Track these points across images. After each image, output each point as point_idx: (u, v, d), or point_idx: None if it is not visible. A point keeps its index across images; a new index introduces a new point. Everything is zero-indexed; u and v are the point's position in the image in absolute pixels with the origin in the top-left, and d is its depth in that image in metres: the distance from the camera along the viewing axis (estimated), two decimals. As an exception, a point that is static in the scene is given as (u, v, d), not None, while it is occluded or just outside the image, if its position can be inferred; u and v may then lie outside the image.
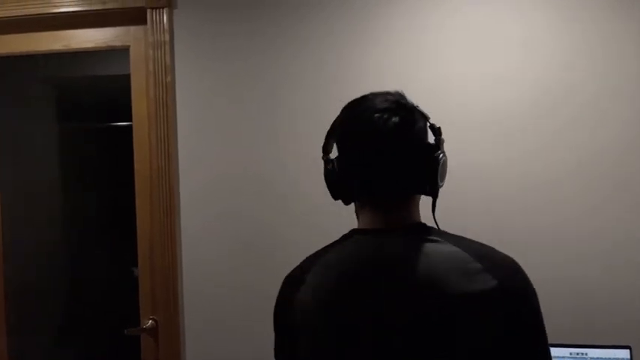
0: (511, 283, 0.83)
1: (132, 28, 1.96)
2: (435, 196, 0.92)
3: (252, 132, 1.84)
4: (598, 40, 1.66)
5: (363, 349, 0.84)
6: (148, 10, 1.88)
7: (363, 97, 0.93)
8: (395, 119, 0.87)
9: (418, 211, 0.93)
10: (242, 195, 1.85)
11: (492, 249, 0.89)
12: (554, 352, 1.25)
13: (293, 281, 0.95)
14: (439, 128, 0.93)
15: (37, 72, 2.60)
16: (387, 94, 0.92)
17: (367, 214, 0.92)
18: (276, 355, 0.99)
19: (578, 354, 1.53)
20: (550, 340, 0.86)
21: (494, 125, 1.72)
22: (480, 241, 0.90)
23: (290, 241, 1.79)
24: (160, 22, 1.88)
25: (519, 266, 0.88)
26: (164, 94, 1.87)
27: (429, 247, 0.85)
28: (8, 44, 2.05)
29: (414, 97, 0.94)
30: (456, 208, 1.65)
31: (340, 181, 0.93)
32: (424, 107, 0.94)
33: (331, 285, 0.89)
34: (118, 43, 1.99)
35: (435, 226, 0.92)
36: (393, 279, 0.84)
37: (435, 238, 0.87)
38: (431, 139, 0.93)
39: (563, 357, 1.53)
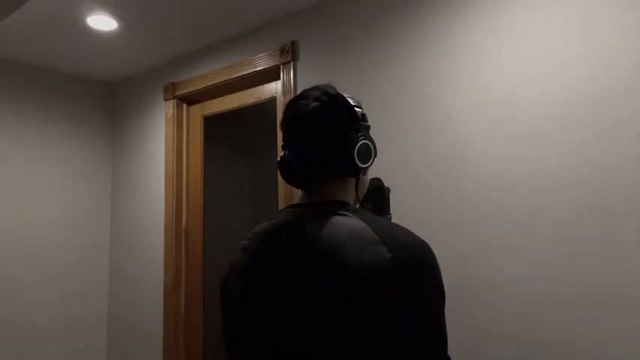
0: (405, 256, 0.86)
1: (277, 83, 2.47)
2: (356, 177, 0.99)
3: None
4: None
5: (261, 312, 0.92)
6: (281, 66, 2.36)
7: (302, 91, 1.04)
8: (315, 104, 0.97)
9: (345, 190, 1.00)
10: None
11: (398, 228, 0.92)
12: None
13: (238, 248, 1.03)
14: (364, 115, 1.00)
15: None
16: (318, 86, 1.01)
17: (301, 192, 1.03)
18: (222, 317, 1.11)
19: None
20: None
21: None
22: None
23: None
24: (288, 74, 2.33)
25: (422, 244, 0.90)
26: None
27: (336, 219, 0.91)
28: (212, 106, 2.84)
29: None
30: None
31: (284, 167, 1.02)
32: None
33: (252, 251, 0.98)
34: (269, 96, 2.53)
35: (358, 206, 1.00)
36: (299, 246, 0.91)
37: (345, 212, 0.92)
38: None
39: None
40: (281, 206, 2.38)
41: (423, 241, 0.92)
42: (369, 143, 0.99)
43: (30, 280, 2.89)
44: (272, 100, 2.51)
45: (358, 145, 0.97)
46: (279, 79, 2.41)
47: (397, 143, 1.95)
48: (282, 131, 1.03)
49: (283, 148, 1.03)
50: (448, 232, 1.79)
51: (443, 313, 0.89)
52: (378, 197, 1.28)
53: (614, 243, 1.47)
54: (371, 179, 1.32)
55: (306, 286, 0.88)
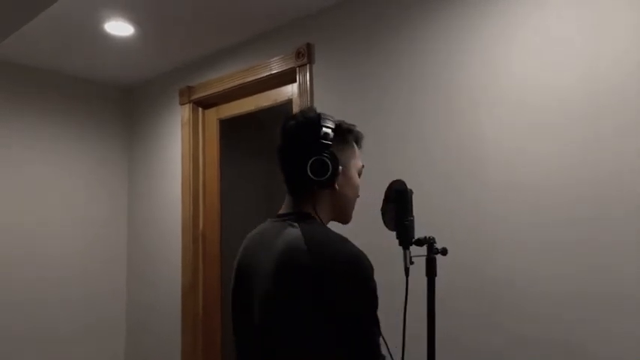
0: (325, 266, 0.95)
1: (293, 85, 2.47)
2: (312, 190, 1.08)
3: (378, 164, 2.05)
4: None
5: (238, 310, 1.10)
6: (297, 69, 2.36)
7: None
8: (291, 123, 1.11)
9: (313, 203, 1.09)
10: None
11: (333, 239, 1.01)
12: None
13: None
14: (327, 134, 1.07)
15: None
16: (309, 108, 1.15)
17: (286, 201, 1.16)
18: None
19: None
20: None
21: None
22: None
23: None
24: (304, 76, 2.33)
25: (349, 256, 0.98)
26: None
27: (287, 230, 1.04)
28: (228, 109, 2.85)
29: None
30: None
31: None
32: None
33: (240, 254, 1.15)
34: (285, 99, 2.53)
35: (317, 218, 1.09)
36: (259, 254, 1.07)
37: (295, 224, 1.04)
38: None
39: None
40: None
41: (353, 253, 0.99)
42: (324, 159, 1.05)
43: (46, 284, 2.92)
44: (288, 103, 2.50)
45: (311, 160, 1.05)
46: (295, 81, 2.41)
47: (424, 144, 1.93)
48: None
49: None
50: (470, 233, 1.78)
51: (368, 319, 0.96)
52: (400, 199, 1.27)
53: (632, 242, 1.45)
54: (393, 181, 1.31)
55: (254, 289, 1.04)
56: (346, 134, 1.17)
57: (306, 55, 2.31)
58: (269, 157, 3.56)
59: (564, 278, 1.57)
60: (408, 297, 1.21)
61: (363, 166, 1.22)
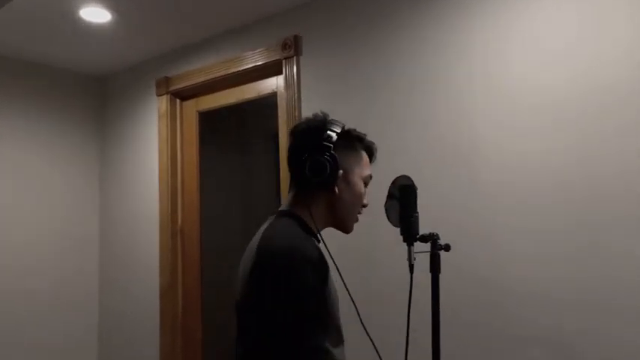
0: (261, 262, 1.02)
1: (278, 77, 2.41)
2: (309, 191, 1.11)
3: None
4: None
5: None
6: (283, 61, 2.31)
7: None
8: (302, 126, 1.16)
9: (309, 203, 1.11)
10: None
11: (277, 237, 1.05)
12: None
13: None
14: (329, 136, 1.09)
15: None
16: (320, 112, 1.17)
17: None
18: None
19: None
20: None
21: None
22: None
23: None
24: (291, 68, 2.28)
25: (279, 252, 1.01)
26: (293, 125, 2.23)
27: (264, 230, 1.10)
28: (208, 101, 2.77)
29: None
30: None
31: None
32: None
33: None
34: (269, 91, 2.47)
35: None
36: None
37: (270, 223, 1.11)
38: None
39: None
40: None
41: (287, 248, 1.02)
42: (323, 160, 1.07)
43: (15, 290, 2.78)
44: (272, 95, 2.45)
45: (308, 159, 1.07)
46: (280, 73, 2.35)
47: (414, 137, 1.91)
48: None
49: None
50: (465, 230, 1.78)
51: (296, 316, 0.97)
52: (405, 195, 1.24)
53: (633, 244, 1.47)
54: (397, 177, 1.29)
55: (240, 282, 1.11)
56: (354, 141, 1.18)
57: (293, 47, 2.26)
58: (252, 149, 3.47)
59: (562, 272, 1.59)
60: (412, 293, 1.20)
61: (370, 176, 1.21)
